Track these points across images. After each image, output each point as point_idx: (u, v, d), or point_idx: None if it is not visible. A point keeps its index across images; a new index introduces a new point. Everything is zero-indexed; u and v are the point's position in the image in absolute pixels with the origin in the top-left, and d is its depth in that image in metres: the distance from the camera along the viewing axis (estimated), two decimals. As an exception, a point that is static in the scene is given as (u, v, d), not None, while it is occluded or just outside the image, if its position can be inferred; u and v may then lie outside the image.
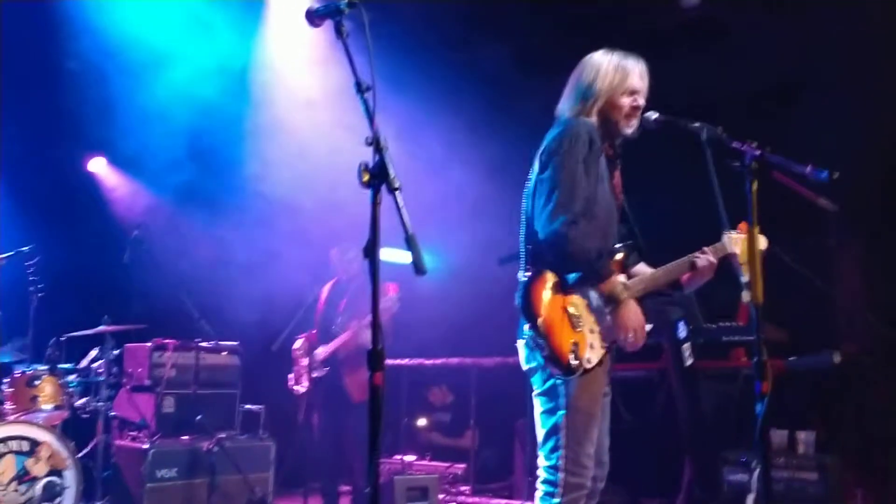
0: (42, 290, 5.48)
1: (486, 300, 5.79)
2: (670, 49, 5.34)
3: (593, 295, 2.91)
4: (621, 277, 3.00)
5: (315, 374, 5.53)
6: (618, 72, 3.05)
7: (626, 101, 3.04)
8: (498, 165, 6.02)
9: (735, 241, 3.05)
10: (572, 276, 2.90)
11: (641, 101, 3.07)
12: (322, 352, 5.50)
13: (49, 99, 6.58)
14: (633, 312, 2.89)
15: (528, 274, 2.95)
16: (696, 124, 2.93)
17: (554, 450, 2.87)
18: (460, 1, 6.01)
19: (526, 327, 2.88)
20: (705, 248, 3.07)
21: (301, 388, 5.60)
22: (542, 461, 2.92)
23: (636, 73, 3.07)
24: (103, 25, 6.03)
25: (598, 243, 2.93)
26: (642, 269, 3.14)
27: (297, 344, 5.69)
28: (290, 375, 5.70)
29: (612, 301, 2.88)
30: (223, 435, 5.42)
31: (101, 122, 6.65)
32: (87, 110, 6.58)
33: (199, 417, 5.50)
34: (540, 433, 2.95)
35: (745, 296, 2.70)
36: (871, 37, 4.95)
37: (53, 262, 5.72)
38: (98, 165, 7.86)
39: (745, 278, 2.84)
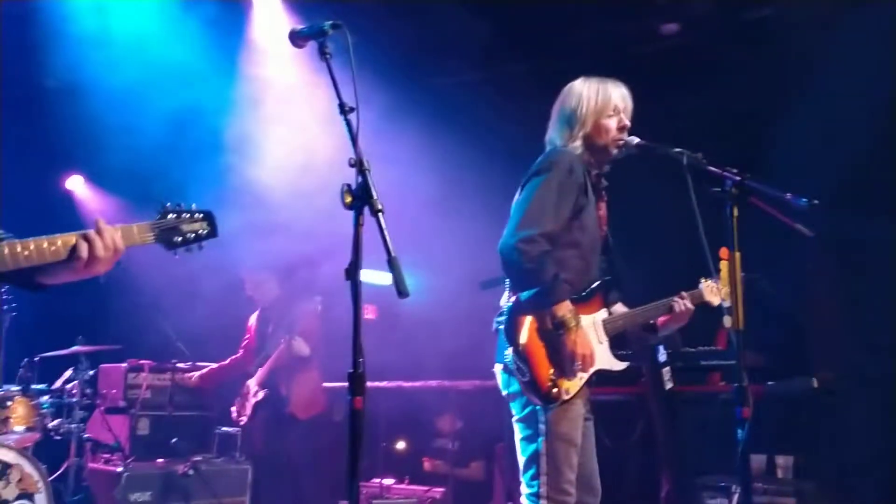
0: (15, 310, 5.41)
1: (465, 323, 5.78)
2: (649, 77, 5.40)
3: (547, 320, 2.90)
4: (601, 312, 3.02)
5: (255, 400, 5.52)
6: (599, 94, 3.09)
7: (611, 123, 3.07)
8: (483, 187, 6.03)
9: (711, 289, 3.14)
10: (524, 296, 2.89)
11: (627, 121, 3.10)
12: (259, 373, 5.50)
13: (27, 116, 6.53)
14: (580, 339, 2.86)
15: (514, 300, 2.95)
16: (677, 150, 2.95)
17: (535, 477, 2.86)
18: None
19: (507, 352, 2.87)
20: (683, 294, 3.12)
21: (243, 419, 5.59)
22: (523, 489, 2.91)
23: (617, 94, 3.11)
24: (81, 42, 6.00)
25: (569, 270, 2.93)
26: (620, 308, 3.16)
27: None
28: (233, 408, 5.68)
29: (561, 327, 2.85)
30: (199, 458, 5.35)
31: (78, 140, 6.61)
32: (64, 128, 6.53)
33: (174, 440, 5.43)
34: (520, 460, 2.94)
35: (727, 321, 2.72)
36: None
37: (42, 290, 5.63)
38: (75, 183, 7.81)
39: (725, 304, 2.86)
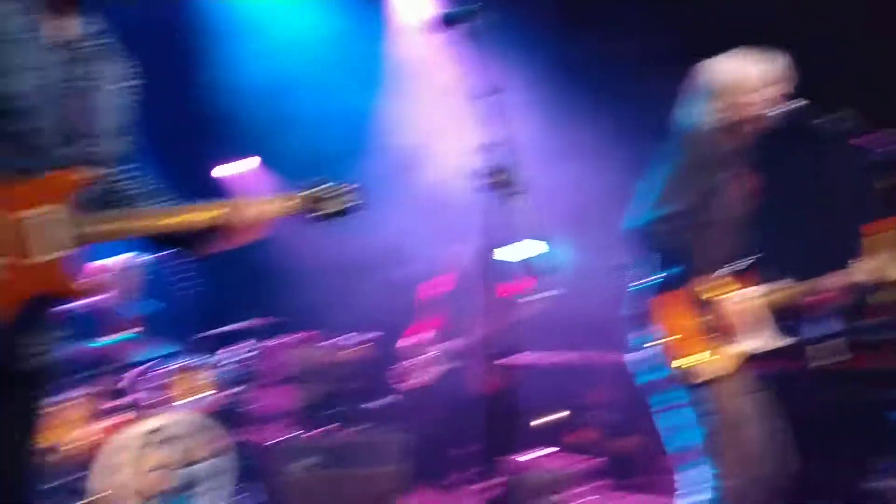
0: (196, 286, 5.85)
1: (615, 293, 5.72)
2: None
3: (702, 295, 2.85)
4: (752, 288, 2.93)
5: (442, 367, 5.64)
6: (739, 70, 2.97)
7: (751, 98, 2.96)
8: (629, 159, 5.92)
9: (862, 268, 2.99)
10: (665, 274, 2.85)
11: (773, 94, 2.98)
12: (455, 345, 5.63)
13: (182, 107, 6.98)
14: (729, 314, 2.79)
15: (654, 279, 2.92)
16: (832, 115, 2.81)
17: (708, 457, 2.83)
18: None
19: (649, 333, 2.85)
20: (837, 273, 2.99)
21: (420, 382, 5.72)
22: (699, 470, 2.88)
23: (759, 69, 2.98)
24: (237, 36, 6.35)
25: (711, 247, 2.87)
26: (771, 284, 3.05)
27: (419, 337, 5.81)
28: (404, 368, 5.81)
29: (707, 303, 2.79)
30: (358, 428, 5.59)
31: (232, 128, 6.99)
32: (217, 117, 6.93)
33: (334, 410, 5.70)
34: (681, 443, 2.91)
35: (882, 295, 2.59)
36: None
37: (205, 259, 6.04)
38: (226, 170, 8.23)
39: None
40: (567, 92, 6.21)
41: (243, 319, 5.81)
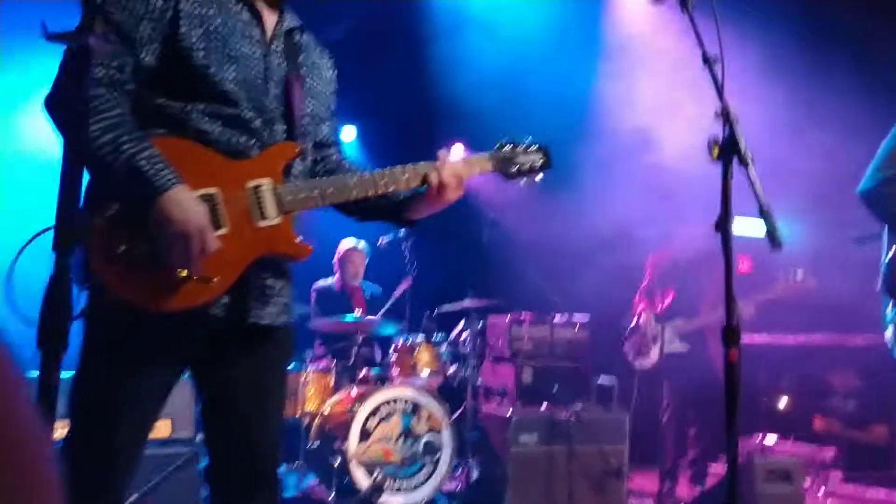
0: (416, 269, 6.16)
1: (855, 271, 5.32)
2: None
3: None
4: None
5: (670, 349, 5.54)
6: None
7: None
8: (863, 130, 5.48)
9: None
10: None
11: None
12: (686, 325, 5.51)
13: (412, 93, 7.31)
14: None
15: (891, 253, 2.70)
16: None
17: None
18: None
19: (890, 310, 2.64)
20: None
21: (649, 363, 5.64)
22: None
23: None
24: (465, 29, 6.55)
25: None
26: None
27: (647, 314, 5.73)
28: (633, 345, 5.76)
29: None
30: (579, 406, 5.63)
31: (457, 112, 7.22)
32: (445, 101, 7.19)
33: (555, 388, 5.77)
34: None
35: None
36: None
37: (424, 244, 6.36)
38: (457, 153, 8.53)
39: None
40: (808, 61, 5.85)
41: (468, 299, 6.01)
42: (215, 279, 2.01)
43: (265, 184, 2.12)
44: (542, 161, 2.56)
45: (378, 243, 6.31)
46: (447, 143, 8.35)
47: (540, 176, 2.57)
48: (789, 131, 5.76)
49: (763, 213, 2.02)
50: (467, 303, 5.96)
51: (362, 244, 6.49)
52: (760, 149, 2.11)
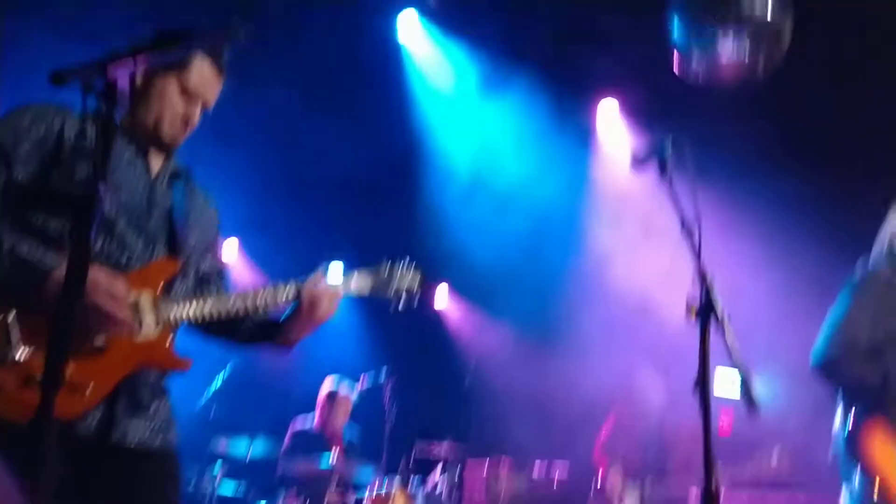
0: (396, 410, 6.08)
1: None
2: None
3: None
4: None
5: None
6: None
7: None
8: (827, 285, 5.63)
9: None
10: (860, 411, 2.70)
11: None
12: (654, 490, 5.46)
13: (401, 235, 7.46)
14: None
15: (852, 420, 2.76)
16: None
17: None
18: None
19: (855, 477, 2.67)
20: None
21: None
22: None
23: None
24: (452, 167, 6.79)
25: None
26: None
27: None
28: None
29: None
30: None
31: (444, 256, 7.35)
32: (433, 246, 7.33)
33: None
34: None
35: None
36: None
37: (405, 386, 6.31)
38: (442, 294, 8.61)
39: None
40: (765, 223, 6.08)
41: (446, 442, 5.93)
42: (90, 385, 2.01)
43: (144, 297, 2.16)
44: (418, 282, 2.64)
45: (358, 384, 6.24)
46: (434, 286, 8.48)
47: (417, 298, 2.64)
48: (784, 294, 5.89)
49: (740, 375, 2.07)
50: (446, 447, 5.86)
51: (351, 389, 6.32)
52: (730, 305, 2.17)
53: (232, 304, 2.32)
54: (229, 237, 8.09)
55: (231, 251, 8.15)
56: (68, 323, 1.61)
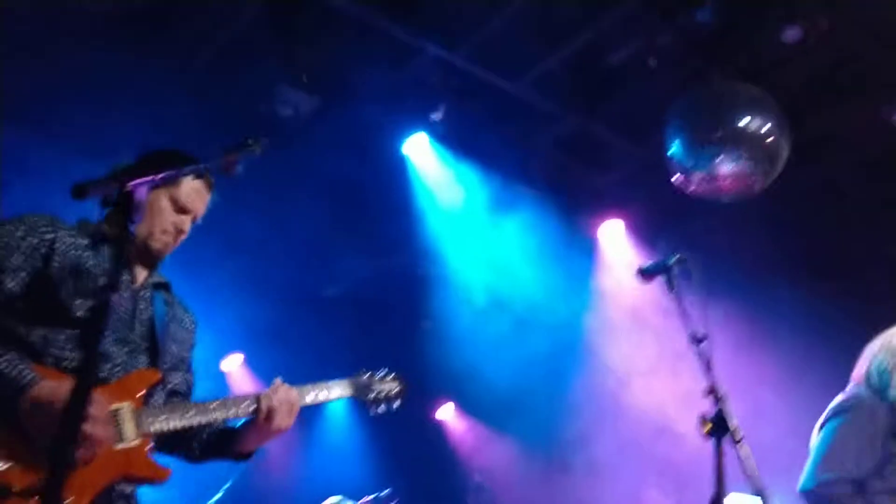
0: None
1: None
2: None
3: None
4: None
5: None
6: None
7: None
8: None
9: None
10: None
11: None
12: None
13: (407, 353, 7.41)
14: None
15: None
16: None
17: None
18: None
19: None
20: None
21: None
22: None
23: None
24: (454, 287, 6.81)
25: None
26: None
27: None
28: None
29: None
30: None
31: (448, 372, 7.29)
32: (436, 361, 7.27)
33: None
34: None
35: None
36: None
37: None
38: (446, 412, 8.49)
39: None
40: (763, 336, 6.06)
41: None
42: (70, 499, 1.97)
43: (124, 407, 2.15)
44: (398, 388, 2.69)
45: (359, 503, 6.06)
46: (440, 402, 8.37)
47: (397, 404, 2.67)
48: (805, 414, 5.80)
49: (758, 493, 2.02)
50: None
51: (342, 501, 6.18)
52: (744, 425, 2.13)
53: (214, 409, 2.31)
54: (235, 352, 8.06)
55: (235, 365, 8.10)
56: (72, 437, 1.59)
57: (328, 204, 6.14)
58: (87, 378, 1.65)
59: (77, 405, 1.88)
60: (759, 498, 2.05)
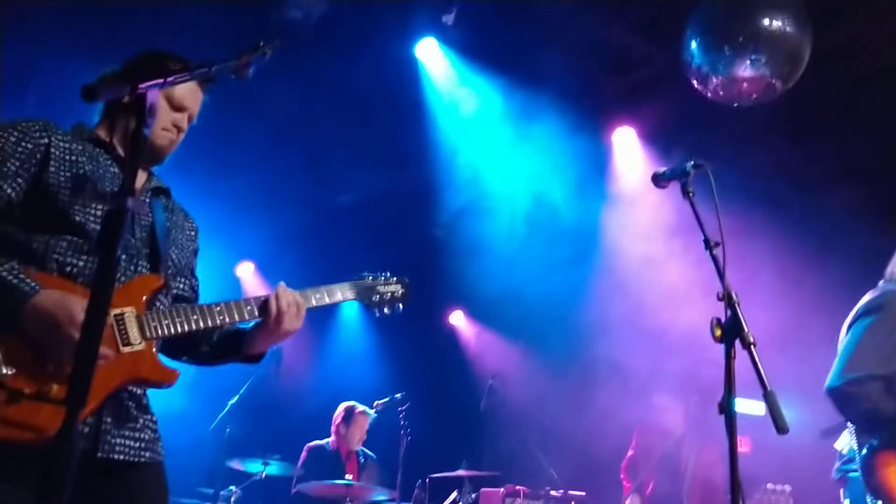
0: (410, 434, 6.03)
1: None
2: None
3: None
4: None
5: None
6: None
7: None
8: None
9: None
10: (876, 435, 2.64)
11: None
12: None
13: (418, 261, 7.47)
14: None
15: (865, 443, 2.72)
16: None
17: None
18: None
19: (868, 499, 2.62)
20: None
21: None
22: None
23: None
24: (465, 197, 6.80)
25: None
26: None
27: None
28: None
29: None
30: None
31: (459, 279, 7.35)
32: (447, 269, 7.33)
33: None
34: None
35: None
36: None
37: (420, 409, 6.28)
38: (457, 318, 8.62)
39: None
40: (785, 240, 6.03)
41: (461, 468, 5.86)
42: None
43: (128, 312, 2.16)
44: (402, 291, 2.69)
45: (373, 406, 6.22)
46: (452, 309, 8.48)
47: (401, 306, 2.68)
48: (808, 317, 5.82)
49: (767, 397, 2.04)
50: (461, 472, 5.80)
51: (368, 408, 6.32)
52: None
53: (218, 313, 2.31)
54: (246, 260, 8.13)
55: (247, 273, 8.19)
56: (96, 339, 1.60)
57: (339, 112, 6.08)
58: (105, 284, 1.64)
59: (94, 314, 1.92)
60: (767, 403, 2.07)
